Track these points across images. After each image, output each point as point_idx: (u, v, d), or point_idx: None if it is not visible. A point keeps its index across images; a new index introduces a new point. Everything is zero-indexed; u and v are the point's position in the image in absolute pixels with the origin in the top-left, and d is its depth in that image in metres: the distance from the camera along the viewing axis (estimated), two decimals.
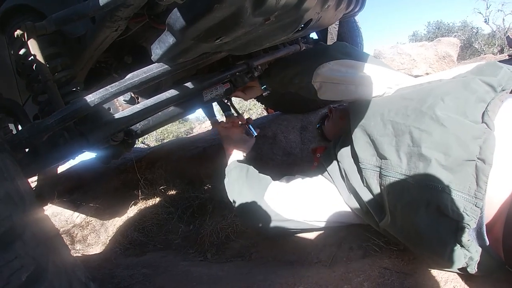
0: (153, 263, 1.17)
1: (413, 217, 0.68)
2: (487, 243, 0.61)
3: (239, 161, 1.11)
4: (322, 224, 0.96)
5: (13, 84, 1.01)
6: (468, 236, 0.61)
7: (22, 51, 0.74)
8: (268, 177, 1.05)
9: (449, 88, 0.73)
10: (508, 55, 3.47)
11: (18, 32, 0.66)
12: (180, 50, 0.56)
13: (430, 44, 3.17)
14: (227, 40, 0.54)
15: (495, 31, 9.18)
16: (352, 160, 0.88)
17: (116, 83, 0.65)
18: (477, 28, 10.86)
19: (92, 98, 0.61)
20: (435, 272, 0.73)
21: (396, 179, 0.72)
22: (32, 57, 0.69)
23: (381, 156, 0.77)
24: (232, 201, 1.05)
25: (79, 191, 2.04)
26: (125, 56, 1.01)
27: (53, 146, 0.67)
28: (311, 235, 1.04)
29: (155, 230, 1.50)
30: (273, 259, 1.03)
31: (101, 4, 0.57)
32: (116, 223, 1.73)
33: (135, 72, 0.69)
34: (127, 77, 0.67)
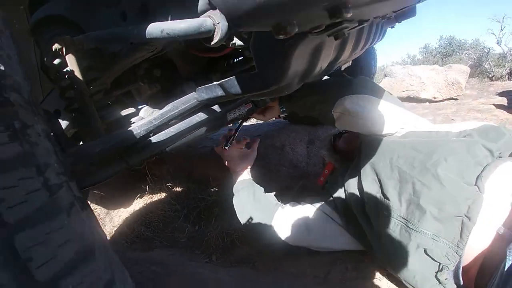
0: (161, 261, 1.25)
1: (404, 254, 0.79)
2: (461, 282, 0.73)
3: (245, 181, 1.20)
4: (325, 248, 1.06)
5: (37, 82, 1.06)
6: (446, 275, 0.73)
7: (56, 61, 0.77)
8: (274, 200, 1.14)
9: (454, 148, 0.82)
10: None
11: (56, 46, 0.68)
12: (223, 100, 0.64)
13: (441, 69, 3.25)
14: None
15: (506, 53, 9.23)
16: (357, 192, 0.97)
17: (159, 115, 0.72)
18: (489, 48, 10.95)
19: (138, 130, 0.69)
20: None
21: (395, 220, 0.82)
22: (67, 68, 0.75)
23: (384, 196, 0.86)
24: (241, 221, 1.14)
25: None
26: (154, 69, 1.09)
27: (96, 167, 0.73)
28: (310, 251, 1.13)
29: (161, 226, 1.58)
30: (275, 269, 1.12)
31: (146, 36, 0.59)
32: (122, 214, 1.81)
33: (174, 103, 0.76)
34: (167, 108, 0.74)
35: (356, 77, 1.14)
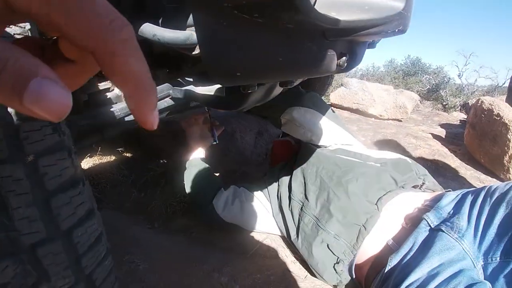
0: (108, 220, 1.36)
1: (312, 244, 1.02)
2: (354, 276, 0.97)
3: (198, 159, 1.36)
4: (254, 230, 1.27)
5: None
6: (342, 268, 0.96)
7: None
8: (219, 182, 1.32)
9: (366, 172, 1.06)
10: (460, 120, 3.89)
11: None
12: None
13: (393, 91, 3.54)
14: None
15: (464, 86, 9.92)
16: (287, 189, 1.18)
17: None
18: (449, 78, 11.67)
19: (118, 112, 0.80)
20: (318, 282, 1.08)
21: (310, 217, 1.05)
22: None
23: (306, 197, 1.09)
24: (187, 193, 1.30)
25: None
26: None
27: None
28: (241, 230, 1.33)
29: (108, 188, 1.67)
30: (209, 242, 1.31)
31: (138, 33, 0.71)
32: None
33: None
34: None
35: (307, 92, 1.33)
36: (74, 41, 0.17)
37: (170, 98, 1.03)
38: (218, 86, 0.84)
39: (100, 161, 1.90)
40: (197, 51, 0.72)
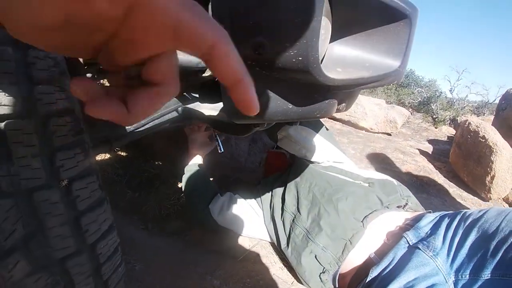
0: None
1: (301, 254, 1.09)
2: (337, 284, 1.05)
3: (197, 164, 1.42)
4: (246, 235, 1.34)
5: None
6: (327, 277, 1.04)
7: None
8: (215, 188, 1.38)
9: (355, 191, 1.14)
10: (448, 136, 4.00)
11: None
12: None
13: (385, 106, 3.65)
14: None
15: (454, 101, 9.99)
16: (280, 200, 1.26)
17: (149, 118, 0.90)
18: (441, 92, 11.68)
19: (129, 126, 0.86)
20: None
21: (301, 229, 1.13)
22: None
23: (298, 210, 1.16)
24: (185, 196, 1.36)
25: None
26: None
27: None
28: (232, 235, 1.40)
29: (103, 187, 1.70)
30: (201, 244, 1.37)
31: None
32: None
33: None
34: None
35: None
36: (194, 46, 0.22)
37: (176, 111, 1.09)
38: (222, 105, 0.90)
39: (95, 159, 1.92)
40: (207, 73, 0.78)
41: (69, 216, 0.49)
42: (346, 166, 1.36)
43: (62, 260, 0.50)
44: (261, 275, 1.18)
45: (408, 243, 0.94)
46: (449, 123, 7.03)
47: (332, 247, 1.05)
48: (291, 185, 1.25)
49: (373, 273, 0.91)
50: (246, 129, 0.73)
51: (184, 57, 0.73)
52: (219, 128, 0.80)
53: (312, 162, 1.34)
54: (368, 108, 3.44)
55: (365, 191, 1.16)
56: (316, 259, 1.06)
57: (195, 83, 1.17)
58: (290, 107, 0.50)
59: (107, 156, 1.95)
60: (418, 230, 0.97)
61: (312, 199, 1.16)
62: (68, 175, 0.48)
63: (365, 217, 1.07)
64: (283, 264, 1.28)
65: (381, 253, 0.98)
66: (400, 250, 0.93)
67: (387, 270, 0.90)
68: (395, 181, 1.27)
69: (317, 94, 0.50)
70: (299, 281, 1.17)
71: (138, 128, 0.89)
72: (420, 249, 0.89)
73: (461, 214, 0.94)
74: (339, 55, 0.52)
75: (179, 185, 1.71)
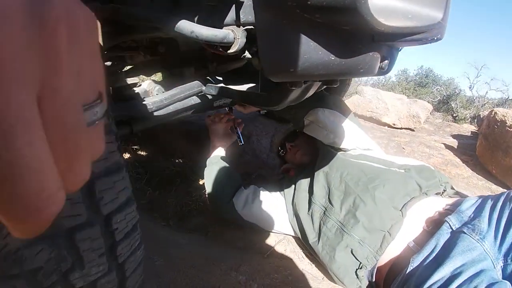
0: None
1: (335, 249, 1.02)
2: (374, 279, 0.97)
3: (219, 156, 1.37)
4: (271, 230, 1.28)
5: None
6: (363, 273, 0.96)
7: None
8: (239, 180, 1.32)
9: (392, 177, 1.07)
10: (471, 131, 3.86)
11: None
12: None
13: (407, 101, 3.55)
14: None
15: (474, 98, 9.79)
16: (307, 193, 1.19)
17: (169, 95, 0.86)
18: (460, 89, 11.51)
19: (151, 106, 0.82)
20: (335, 284, 1.09)
21: (333, 222, 1.05)
22: None
23: (330, 202, 1.09)
24: (206, 190, 1.32)
25: None
26: (160, 45, 1.19)
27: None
28: (257, 230, 1.34)
29: None
30: (224, 241, 1.32)
31: (175, 30, 0.66)
32: None
33: (181, 87, 0.90)
34: (176, 91, 0.88)
35: (331, 95, 1.35)
36: None
37: (197, 96, 1.05)
38: (249, 85, 0.85)
39: None
40: (232, 49, 0.74)
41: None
42: (377, 154, 1.28)
43: (70, 231, 0.44)
44: (289, 270, 1.12)
45: (451, 228, 0.87)
46: (470, 121, 6.80)
47: (369, 240, 0.97)
48: (319, 176, 1.18)
49: (414, 262, 0.84)
50: (278, 99, 0.67)
51: (209, 31, 0.69)
52: (250, 101, 0.75)
53: (340, 150, 1.27)
54: (390, 103, 3.34)
55: (402, 177, 1.08)
56: (352, 253, 0.99)
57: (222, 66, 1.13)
58: (333, 58, 0.44)
59: (127, 155, 1.94)
60: (460, 214, 0.90)
61: (345, 189, 1.09)
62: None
63: (404, 205, 0.99)
64: (312, 259, 1.21)
65: (421, 241, 0.91)
66: (443, 236, 0.86)
67: (430, 258, 0.83)
68: (432, 167, 1.18)
69: (360, 45, 0.45)
70: (330, 277, 1.09)
71: (160, 108, 0.85)
72: (465, 233, 0.82)
73: (505, 195, 0.87)
74: (379, 4, 0.46)
75: (200, 182, 1.68)
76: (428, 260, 0.82)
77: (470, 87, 11.27)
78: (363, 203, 1.02)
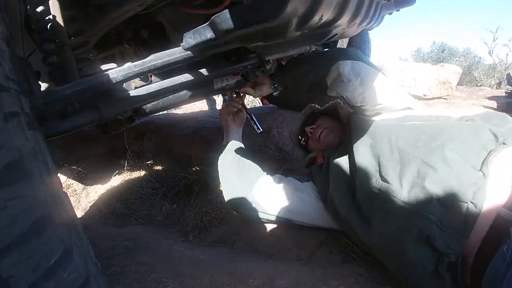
0: (135, 236, 1.18)
1: (401, 243, 0.73)
2: (459, 277, 0.67)
3: (235, 143, 1.17)
4: (305, 224, 1.03)
5: (19, 37, 0.98)
6: (445, 267, 0.67)
7: (40, 9, 0.71)
8: (259, 168, 1.09)
9: (460, 130, 0.78)
10: (506, 91, 3.60)
11: None
12: (213, 45, 0.57)
13: (433, 67, 3.25)
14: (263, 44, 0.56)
15: (496, 64, 9.22)
16: (348, 176, 0.91)
17: (139, 62, 0.65)
18: (480, 57, 10.89)
19: (115, 74, 0.61)
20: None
21: (394, 204, 0.76)
22: (50, 16, 0.68)
23: (384, 179, 0.80)
24: (222, 183, 1.12)
25: (62, 152, 2.00)
26: (141, 29, 1.01)
27: (61, 115, 0.65)
28: (293, 233, 1.09)
29: (138, 203, 1.50)
30: (253, 250, 1.07)
31: None
32: (98, 190, 1.72)
33: (158, 54, 0.68)
34: (150, 58, 0.67)
35: (350, 47, 1.10)
36: None
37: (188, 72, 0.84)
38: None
39: (129, 177, 1.75)
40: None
41: None
42: (426, 111, 0.99)
43: None
44: (340, 278, 0.84)
45: None
46: (496, 87, 6.30)
47: (449, 219, 0.68)
48: (360, 152, 0.88)
49: None
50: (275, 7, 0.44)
51: None
52: (241, 19, 0.52)
53: (376, 112, 1.00)
54: (416, 73, 3.02)
55: (472, 127, 0.78)
56: (428, 243, 0.69)
57: None
58: None
59: (142, 172, 1.77)
60: None
61: (399, 157, 0.79)
62: None
63: (484, 162, 0.70)
64: (368, 260, 0.92)
65: None
66: None
67: None
68: (498, 112, 0.87)
69: None
70: (397, 282, 0.80)
71: (130, 77, 0.64)
72: None
73: None
74: None
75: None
76: None
77: (489, 52, 10.46)
78: (432, 168, 0.72)
